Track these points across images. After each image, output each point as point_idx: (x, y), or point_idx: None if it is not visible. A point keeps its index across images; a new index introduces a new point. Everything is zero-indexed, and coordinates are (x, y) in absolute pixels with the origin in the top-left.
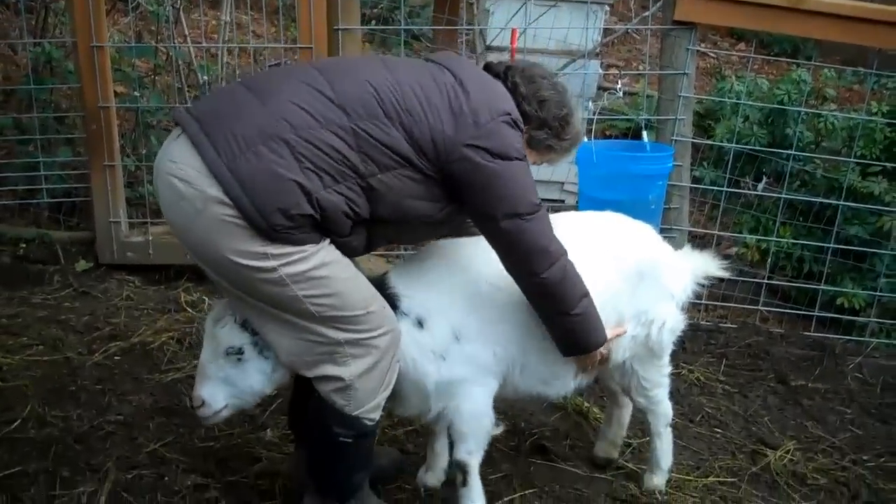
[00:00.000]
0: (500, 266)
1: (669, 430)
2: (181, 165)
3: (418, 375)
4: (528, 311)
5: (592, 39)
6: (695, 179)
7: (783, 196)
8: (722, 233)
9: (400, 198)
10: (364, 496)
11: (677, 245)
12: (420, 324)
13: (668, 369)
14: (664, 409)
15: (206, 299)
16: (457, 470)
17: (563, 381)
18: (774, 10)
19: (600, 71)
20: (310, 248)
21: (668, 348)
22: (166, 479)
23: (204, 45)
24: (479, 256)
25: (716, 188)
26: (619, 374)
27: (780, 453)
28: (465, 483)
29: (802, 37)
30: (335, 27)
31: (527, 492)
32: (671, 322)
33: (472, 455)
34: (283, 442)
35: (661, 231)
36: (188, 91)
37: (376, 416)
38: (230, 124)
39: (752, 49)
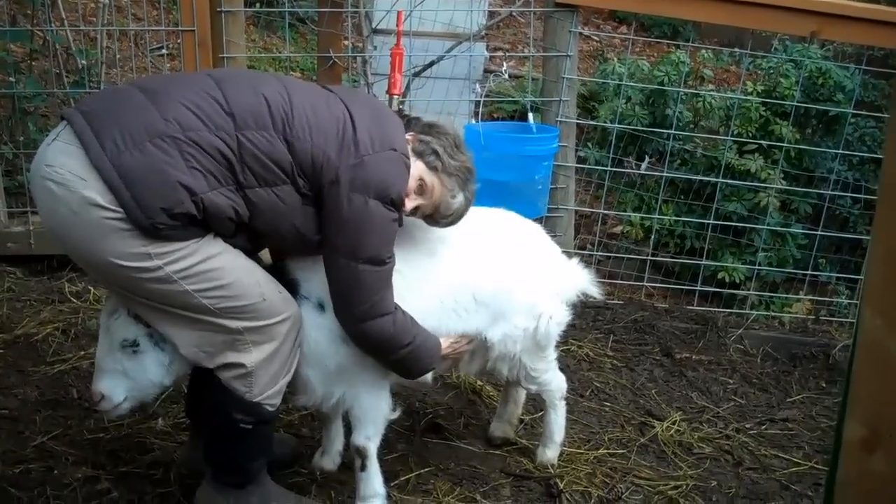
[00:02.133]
0: (399, 249)
1: (563, 403)
2: (56, 168)
3: (320, 358)
4: (423, 295)
5: (478, 22)
6: (580, 160)
7: (665, 174)
8: (607, 211)
9: (275, 213)
10: (263, 481)
11: (564, 224)
12: (321, 307)
13: (553, 356)
14: (556, 385)
15: (91, 289)
16: (356, 455)
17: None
18: None
19: (486, 54)
20: (192, 243)
21: (554, 340)
22: (55, 472)
23: (82, 28)
24: None
25: (600, 168)
26: (507, 366)
27: (667, 424)
28: (363, 468)
29: (680, 19)
30: (218, 9)
31: (423, 470)
32: (557, 316)
33: (371, 440)
34: (176, 431)
35: (549, 210)
36: (66, 76)
37: (277, 401)
38: (118, 121)
39: (632, 32)
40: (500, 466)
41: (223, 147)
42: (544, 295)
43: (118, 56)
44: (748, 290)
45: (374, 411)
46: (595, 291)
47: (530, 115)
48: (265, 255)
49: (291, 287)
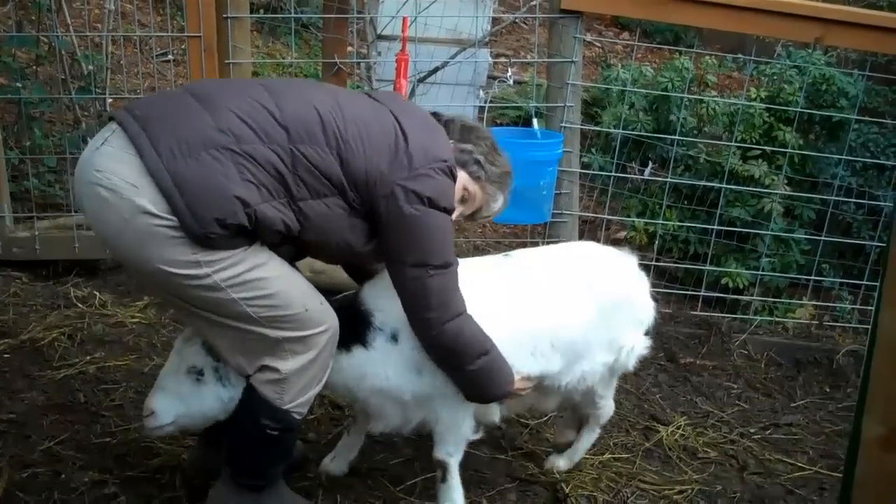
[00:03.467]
0: (469, 279)
1: (599, 430)
2: (107, 174)
3: (395, 390)
4: (497, 323)
5: (482, 28)
6: (584, 165)
7: (668, 180)
8: (611, 217)
9: (327, 224)
10: (279, 486)
11: (569, 229)
12: (395, 338)
13: (616, 382)
14: (607, 412)
15: (97, 294)
16: (437, 467)
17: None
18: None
19: (490, 60)
20: (240, 251)
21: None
22: (62, 476)
23: (87, 34)
24: None
25: (604, 173)
26: (580, 395)
27: (672, 429)
28: (444, 479)
29: (683, 25)
30: (224, 15)
31: (429, 475)
32: (638, 348)
33: (452, 456)
34: (182, 436)
35: (553, 215)
36: (72, 82)
37: (305, 411)
38: (174, 128)
39: (636, 38)
40: (505, 471)
41: (277, 161)
42: (626, 328)
43: (123, 62)
44: (752, 295)
45: (454, 429)
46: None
47: (535, 121)
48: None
49: (365, 318)
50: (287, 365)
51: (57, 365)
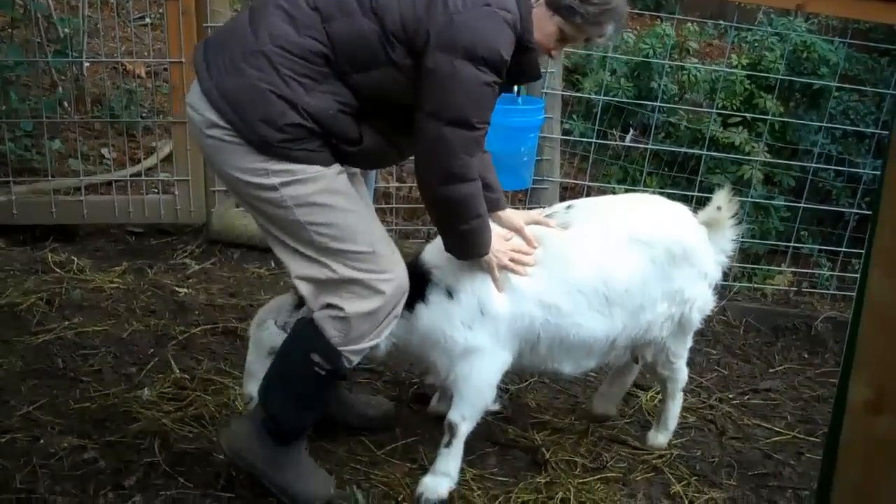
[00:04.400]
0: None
1: (682, 394)
2: (191, 94)
3: (448, 344)
4: (551, 290)
5: None
6: (565, 132)
7: (649, 147)
8: (592, 183)
9: (381, 92)
10: (301, 452)
11: (549, 196)
12: (450, 294)
13: (690, 343)
14: (683, 376)
15: (75, 259)
16: (446, 429)
17: (578, 362)
18: None
19: None
20: (313, 169)
21: (696, 325)
22: (41, 441)
23: None
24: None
25: (585, 140)
26: (651, 351)
27: (651, 394)
28: (449, 444)
29: None
30: None
31: (409, 440)
32: (701, 301)
33: (465, 420)
34: (161, 401)
35: (534, 182)
36: (48, 45)
37: (356, 360)
38: (224, 47)
39: None
40: (485, 435)
41: (313, 45)
42: (687, 280)
43: (99, 25)
44: (731, 261)
45: (477, 395)
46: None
47: (515, 87)
48: None
49: (424, 274)
50: (351, 306)
51: (35, 330)
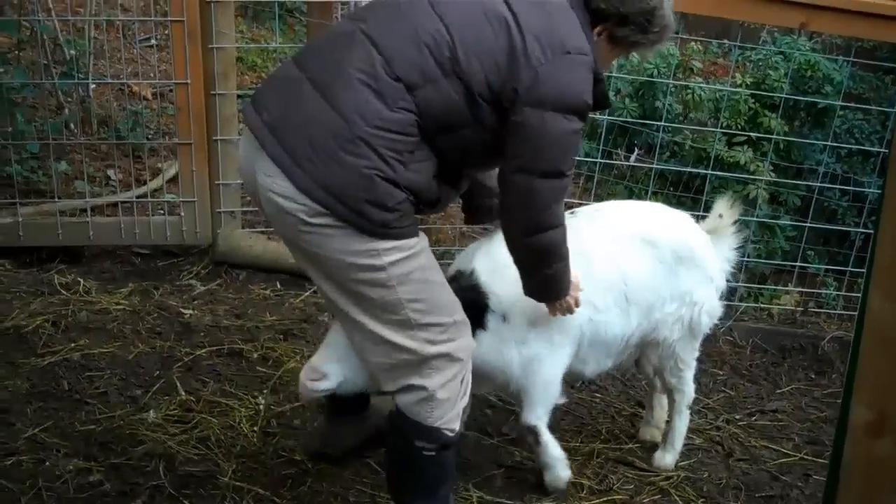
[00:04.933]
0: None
1: (688, 411)
2: (277, 181)
3: (504, 364)
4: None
5: None
6: None
7: (654, 166)
8: (597, 203)
9: (465, 149)
10: None
11: None
12: (504, 318)
13: (697, 353)
14: (690, 390)
15: (81, 281)
16: (527, 434)
17: (599, 361)
18: None
19: None
20: (413, 241)
21: (704, 332)
22: (47, 463)
23: (70, 18)
24: None
25: (590, 160)
26: (659, 353)
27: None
28: (538, 443)
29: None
30: (207, 0)
31: None
32: (709, 305)
33: (541, 419)
34: (167, 423)
35: None
36: (54, 67)
37: (457, 426)
38: (303, 132)
39: None
40: (492, 458)
41: (406, 117)
42: (693, 282)
43: (106, 47)
44: (737, 281)
45: (544, 394)
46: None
47: None
48: None
49: (481, 298)
50: (432, 382)
51: (41, 352)
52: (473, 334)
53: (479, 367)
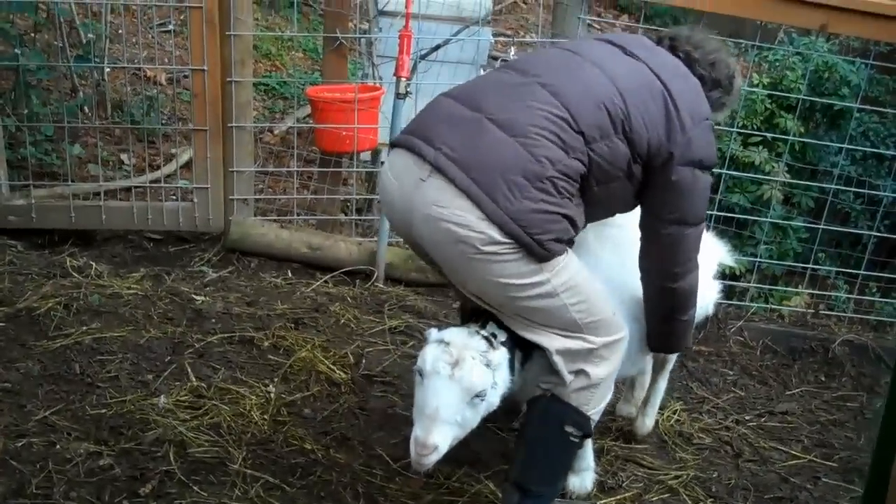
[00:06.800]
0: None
1: (669, 375)
2: (455, 211)
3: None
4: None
5: (485, 6)
6: None
7: None
8: None
9: (609, 201)
10: None
11: None
12: None
13: None
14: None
15: (93, 265)
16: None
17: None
18: None
19: (491, 39)
20: (565, 257)
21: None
22: (57, 446)
23: (86, 1)
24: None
25: None
26: None
27: (668, 413)
28: (580, 447)
29: (686, 9)
30: None
31: None
32: (709, 295)
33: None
34: (178, 409)
35: None
36: (70, 50)
37: (598, 418)
38: (496, 168)
39: (636, 20)
40: (500, 450)
41: (579, 167)
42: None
43: (122, 31)
44: (749, 282)
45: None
46: (731, 261)
47: None
48: None
49: None
50: (598, 371)
51: (52, 335)
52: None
53: (524, 384)
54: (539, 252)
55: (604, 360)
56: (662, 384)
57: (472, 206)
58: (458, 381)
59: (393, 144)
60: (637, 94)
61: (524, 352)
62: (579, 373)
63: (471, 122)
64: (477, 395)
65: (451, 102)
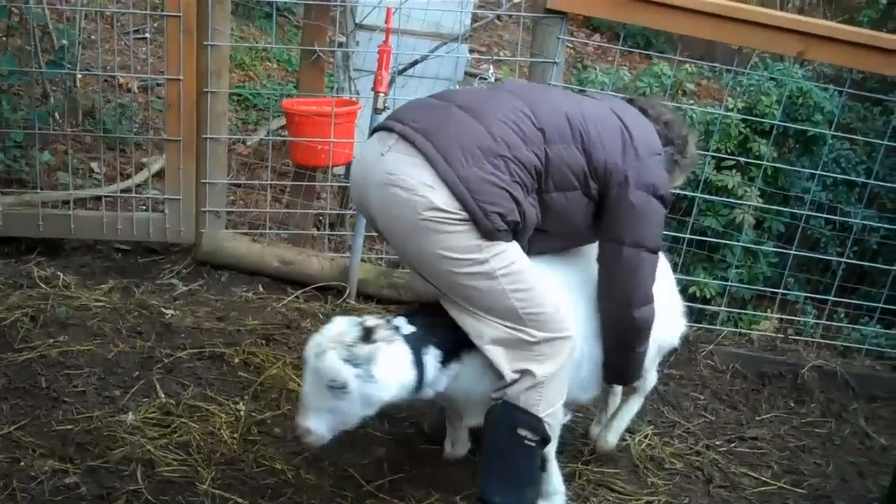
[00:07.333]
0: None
1: (643, 399)
2: (402, 177)
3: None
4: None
5: (463, 23)
6: None
7: None
8: None
9: (565, 214)
10: None
11: None
12: None
13: (659, 359)
14: (652, 378)
15: (60, 275)
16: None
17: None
18: (644, 3)
19: (468, 56)
20: (508, 245)
21: (671, 344)
22: (22, 463)
23: (60, 7)
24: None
25: None
26: None
27: (639, 438)
28: (543, 468)
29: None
30: None
31: (397, 475)
32: (678, 326)
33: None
34: (146, 426)
35: None
36: (42, 55)
37: (555, 423)
38: (455, 138)
39: (609, 41)
40: (474, 473)
41: (536, 161)
42: (667, 311)
43: (94, 36)
44: (719, 306)
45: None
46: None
47: None
48: None
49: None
50: (543, 369)
51: (18, 347)
52: (461, 357)
53: (472, 394)
54: (482, 222)
55: (548, 358)
56: (635, 406)
57: (424, 169)
58: (316, 372)
59: (370, 135)
60: (596, 118)
61: (448, 351)
62: (524, 373)
63: (440, 107)
64: (338, 387)
65: (425, 98)
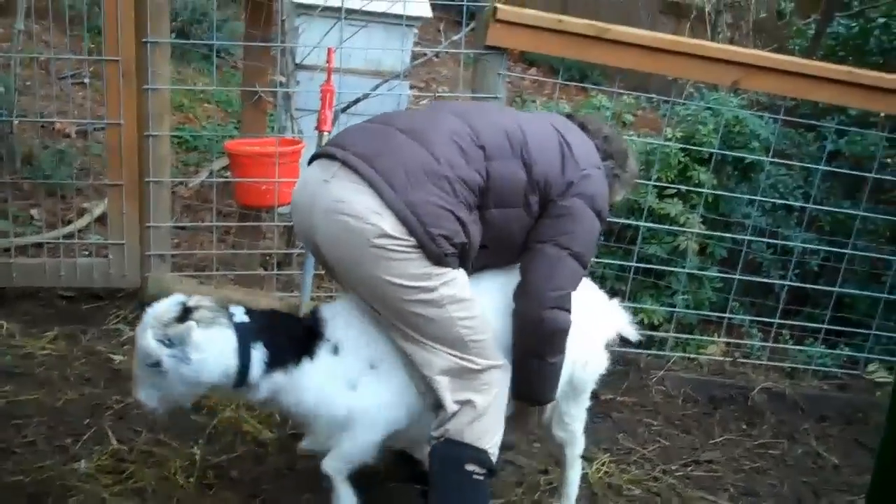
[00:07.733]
0: None
1: (581, 462)
2: (349, 203)
3: (330, 403)
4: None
5: (403, 61)
6: None
7: None
8: None
9: (505, 229)
10: None
11: None
12: (336, 349)
13: (586, 405)
14: (580, 442)
15: (4, 324)
16: (323, 479)
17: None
18: (583, 38)
19: (409, 93)
20: (456, 272)
21: (590, 386)
22: None
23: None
24: None
25: None
26: (540, 410)
27: (597, 465)
28: (333, 487)
29: (600, 64)
30: (144, 39)
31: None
32: (594, 362)
33: (340, 473)
34: (100, 473)
35: None
36: None
37: (496, 453)
38: (398, 163)
39: (546, 75)
40: None
41: (479, 179)
42: (579, 342)
43: (29, 83)
44: (667, 332)
45: (355, 450)
46: (632, 333)
47: None
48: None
49: (317, 325)
50: (484, 399)
51: None
52: (300, 361)
53: (307, 404)
54: (429, 246)
55: (490, 387)
56: (571, 474)
57: (370, 196)
58: (137, 349)
59: (310, 161)
60: (536, 132)
61: (276, 356)
62: (466, 403)
63: (380, 132)
64: (152, 364)
65: (364, 122)
